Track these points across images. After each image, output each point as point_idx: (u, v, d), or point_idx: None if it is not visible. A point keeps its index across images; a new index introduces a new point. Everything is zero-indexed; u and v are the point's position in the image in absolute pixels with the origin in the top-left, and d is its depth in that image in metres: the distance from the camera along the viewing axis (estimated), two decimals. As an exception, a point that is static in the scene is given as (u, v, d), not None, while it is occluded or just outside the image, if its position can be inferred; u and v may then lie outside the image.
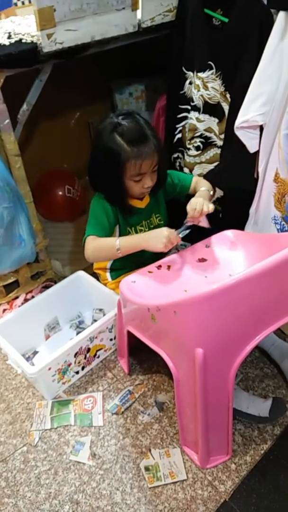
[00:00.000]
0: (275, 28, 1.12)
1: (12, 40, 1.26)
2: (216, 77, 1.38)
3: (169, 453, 1.22)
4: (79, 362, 1.41)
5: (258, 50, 1.18)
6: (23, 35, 1.27)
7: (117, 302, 1.33)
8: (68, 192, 2.06)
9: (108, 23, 1.31)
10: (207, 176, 1.48)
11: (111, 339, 1.49)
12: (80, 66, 1.82)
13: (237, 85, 1.29)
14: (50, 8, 1.17)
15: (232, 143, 1.32)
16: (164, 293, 1.20)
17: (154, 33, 1.47)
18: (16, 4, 1.64)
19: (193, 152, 1.58)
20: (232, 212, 1.55)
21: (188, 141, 1.57)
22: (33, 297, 1.64)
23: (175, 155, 1.68)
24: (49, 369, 1.30)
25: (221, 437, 1.16)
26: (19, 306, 1.60)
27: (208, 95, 1.42)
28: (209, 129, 1.49)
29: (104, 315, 1.49)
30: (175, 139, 1.64)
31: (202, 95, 1.44)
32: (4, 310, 1.64)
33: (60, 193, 2.06)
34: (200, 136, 1.53)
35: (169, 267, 1.31)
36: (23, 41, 1.25)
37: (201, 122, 1.50)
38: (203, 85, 1.42)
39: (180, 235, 1.25)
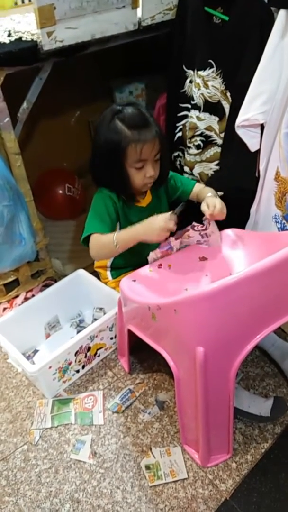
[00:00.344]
0: (275, 26, 1.12)
1: (12, 38, 1.25)
2: (217, 75, 1.37)
3: (169, 451, 1.22)
4: (79, 361, 1.41)
5: (258, 48, 1.18)
6: (23, 33, 1.27)
7: (118, 300, 1.33)
8: (68, 190, 2.06)
9: (108, 21, 1.31)
10: (208, 183, 1.48)
11: (111, 338, 1.49)
12: (81, 64, 1.82)
13: (237, 84, 1.29)
14: (50, 6, 1.17)
15: (233, 142, 1.32)
16: (165, 292, 1.20)
17: (154, 31, 1.47)
18: (16, 3, 1.64)
19: (193, 150, 1.58)
20: (232, 211, 1.54)
21: (189, 140, 1.57)
22: (33, 295, 1.64)
23: (176, 154, 1.68)
24: (50, 367, 1.30)
25: (222, 436, 1.16)
26: (19, 305, 1.60)
27: (209, 93, 1.42)
28: (209, 128, 1.49)
29: (104, 314, 1.48)
30: (176, 138, 1.63)
31: (202, 94, 1.44)
32: (4, 308, 1.64)
33: (60, 191, 2.06)
34: (201, 134, 1.53)
35: (169, 266, 1.31)
36: (23, 39, 1.25)
37: (202, 121, 1.50)
38: (204, 83, 1.42)
39: (176, 212, 1.23)
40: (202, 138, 1.53)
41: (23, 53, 1.22)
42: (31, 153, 1.92)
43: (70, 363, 1.37)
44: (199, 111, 1.48)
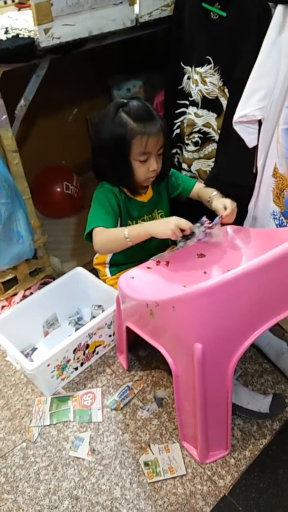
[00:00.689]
0: (273, 22, 1.11)
1: (9, 35, 1.25)
2: (215, 71, 1.37)
3: (168, 448, 1.23)
4: (78, 358, 1.41)
5: (256, 44, 1.17)
6: (20, 30, 1.27)
7: (116, 298, 1.33)
8: (66, 188, 2.06)
9: (105, 18, 1.30)
10: (208, 180, 1.48)
11: (110, 335, 1.49)
12: (78, 61, 1.81)
13: (235, 80, 1.29)
14: (47, 2, 1.16)
15: (230, 138, 1.32)
16: (163, 289, 1.20)
17: (152, 27, 1.46)
18: (13, 0, 1.63)
19: (191, 147, 1.57)
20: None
21: (187, 137, 1.57)
22: (31, 293, 1.64)
23: (174, 151, 1.68)
24: (48, 365, 1.30)
25: (220, 432, 1.16)
26: (17, 303, 1.59)
27: (207, 90, 1.42)
28: (207, 124, 1.49)
29: (103, 311, 1.48)
30: (174, 135, 1.63)
31: (200, 90, 1.43)
32: (3, 306, 1.64)
33: (58, 189, 2.05)
34: (199, 131, 1.53)
35: (167, 263, 1.31)
36: (20, 36, 1.24)
37: (200, 117, 1.49)
38: (201, 80, 1.41)
39: (196, 230, 1.24)
40: (200, 135, 1.53)
41: (20, 50, 1.22)
42: (29, 151, 1.92)
43: (68, 361, 1.37)
44: (197, 107, 1.48)
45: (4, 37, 1.24)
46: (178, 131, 1.61)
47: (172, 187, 1.48)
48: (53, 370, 1.33)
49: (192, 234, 1.24)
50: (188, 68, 1.46)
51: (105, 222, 1.29)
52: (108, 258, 1.49)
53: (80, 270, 1.61)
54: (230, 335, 1.00)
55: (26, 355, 1.48)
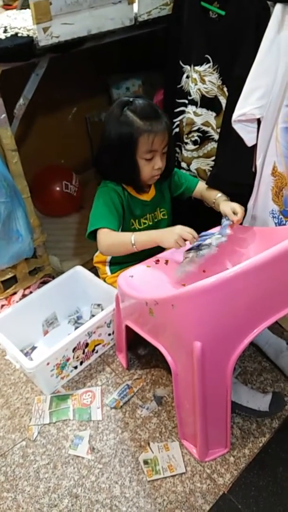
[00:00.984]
0: (272, 20, 1.11)
1: (8, 34, 1.25)
2: (214, 70, 1.37)
3: (167, 446, 1.23)
4: (77, 357, 1.41)
5: (255, 43, 1.17)
6: (19, 29, 1.26)
7: (115, 296, 1.33)
8: (65, 187, 2.06)
9: (104, 17, 1.31)
10: (209, 180, 1.49)
11: (109, 334, 1.49)
12: (77, 60, 1.82)
13: (234, 79, 1.29)
14: (46, 1, 1.16)
15: (230, 137, 1.32)
16: (162, 287, 1.21)
17: (150, 26, 1.46)
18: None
19: (190, 146, 1.57)
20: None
21: (186, 136, 1.57)
22: (31, 292, 1.64)
23: (173, 150, 1.68)
24: (48, 364, 1.30)
25: (220, 430, 1.17)
26: (17, 302, 1.60)
27: (206, 88, 1.42)
28: (206, 123, 1.49)
29: (102, 310, 1.49)
30: (173, 134, 1.63)
31: (199, 89, 1.43)
32: (2, 305, 1.64)
33: (58, 188, 2.05)
34: (198, 130, 1.53)
35: (167, 261, 1.31)
36: (19, 35, 1.24)
37: (199, 116, 1.49)
38: (200, 78, 1.41)
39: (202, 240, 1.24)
40: (199, 134, 1.53)
41: (19, 49, 1.22)
42: (28, 150, 1.92)
43: (68, 360, 1.37)
44: (196, 106, 1.48)
45: (3, 36, 1.24)
46: (177, 130, 1.61)
47: (175, 185, 1.48)
48: (52, 369, 1.34)
49: (204, 245, 1.24)
50: (187, 67, 1.46)
51: (110, 223, 1.29)
52: (108, 256, 1.49)
53: (80, 269, 1.61)
54: (229, 333, 1.00)
55: (26, 354, 1.48)
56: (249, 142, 1.29)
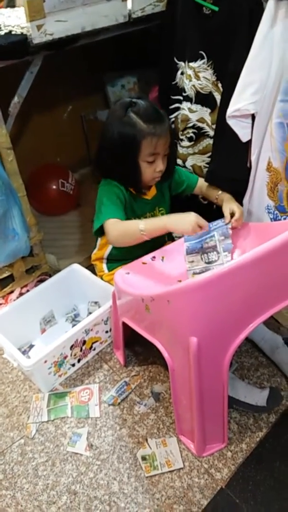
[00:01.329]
0: (265, 16, 1.11)
1: (2, 32, 1.24)
2: (208, 66, 1.37)
3: (165, 442, 1.23)
4: (75, 355, 1.41)
5: (248, 38, 1.17)
6: (13, 27, 1.26)
7: (112, 294, 1.34)
8: (61, 186, 2.06)
9: (98, 14, 1.30)
10: (206, 178, 1.49)
11: (106, 331, 1.49)
12: (72, 58, 1.81)
13: (228, 74, 1.29)
14: (39, -1, 1.16)
15: (225, 133, 1.32)
16: (158, 284, 1.21)
17: (144, 23, 1.46)
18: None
19: (185, 143, 1.57)
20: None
21: (181, 132, 1.57)
22: (28, 291, 1.64)
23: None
24: (45, 362, 1.31)
25: (217, 425, 1.17)
26: (14, 300, 1.60)
27: (200, 85, 1.42)
28: (201, 120, 1.49)
29: (99, 307, 1.49)
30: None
31: (194, 85, 1.43)
32: (0, 304, 1.64)
33: (54, 187, 2.05)
34: (193, 126, 1.53)
35: (163, 258, 1.31)
36: (13, 33, 1.24)
37: (193, 113, 1.49)
38: (195, 75, 1.41)
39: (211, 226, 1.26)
40: (194, 130, 1.53)
41: (13, 47, 1.21)
42: (24, 148, 1.92)
43: (65, 357, 1.38)
44: (191, 102, 1.48)
45: (-4, 34, 1.24)
46: (172, 126, 1.61)
47: (176, 184, 1.48)
48: (50, 367, 1.34)
49: (209, 248, 1.26)
50: (181, 63, 1.46)
51: (117, 213, 1.27)
52: (106, 253, 1.49)
53: (76, 267, 1.61)
54: (225, 328, 1.00)
55: (23, 352, 1.48)
56: (244, 138, 1.29)
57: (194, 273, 1.24)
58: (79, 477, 1.18)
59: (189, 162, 1.61)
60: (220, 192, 1.41)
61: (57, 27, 1.24)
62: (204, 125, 1.50)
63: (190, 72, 1.42)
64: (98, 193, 1.35)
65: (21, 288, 1.69)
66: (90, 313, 1.55)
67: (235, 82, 1.22)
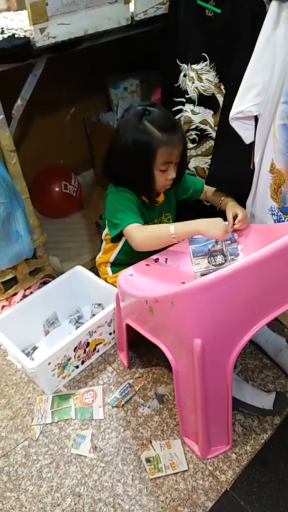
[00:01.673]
0: (267, 18, 1.11)
1: (5, 35, 1.25)
2: (211, 68, 1.37)
3: (169, 444, 1.23)
4: (78, 357, 1.41)
5: (251, 40, 1.17)
6: (16, 30, 1.27)
7: (115, 296, 1.34)
8: (64, 188, 2.06)
9: (101, 17, 1.31)
10: (207, 181, 1.49)
11: (110, 333, 1.49)
12: (75, 61, 1.82)
13: (231, 76, 1.29)
14: (43, 2, 1.16)
15: (227, 135, 1.32)
16: (162, 285, 1.21)
17: (147, 26, 1.47)
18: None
19: (188, 145, 1.57)
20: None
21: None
22: (31, 293, 1.64)
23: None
24: (49, 363, 1.31)
25: (221, 427, 1.17)
26: (17, 303, 1.60)
27: (203, 87, 1.42)
28: (204, 122, 1.49)
29: (103, 309, 1.49)
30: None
31: (196, 87, 1.44)
32: (3, 306, 1.64)
33: (57, 189, 2.05)
34: (196, 128, 1.53)
35: (166, 259, 1.31)
36: (16, 36, 1.25)
37: (196, 115, 1.50)
38: (198, 77, 1.42)
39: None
40: (197, 132, 1.53)
41: (16, 50, 1.22)
42: (27, 151, 1.92)
43: (69, 359, 1.38)
44: (194, 104, 1.48)
45: (0, 37, 1.24)
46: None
47: (182, 190, 1.49)
48: (54, 369, 1.34)
49: (216, 251, 1.28)
50: (184, 66, 1.46)
51: (137, 219, 1.27)
52: (112, 258, 1.49)
53: (80, 269, 1.61)
54: (229, 330, 1.00)
55: (27, 354, 1.48)
56: (247, 140, 1.29)
57: (202, 274, 1.24)
58: (83, 479, 1.18)
59: (192, 164, 1.62)
60: (223, 197, 1.41)
61: (60, 30, 1.24)
62: (207, 127, 1.50)
63: (192, 74, 1.43)
64: (107, 200, 1.36)
65: (25, 290, 1.69)
66: (93, 315, 1.55)
67: (238, 84, 1.22)
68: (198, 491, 1.14)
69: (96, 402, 1.36)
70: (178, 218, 1.51)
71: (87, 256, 1.86)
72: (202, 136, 1.53)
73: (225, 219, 1.32)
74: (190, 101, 1.49)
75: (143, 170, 1.26)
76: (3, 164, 1.36)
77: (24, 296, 1.65)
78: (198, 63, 1.40)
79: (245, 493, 1.13)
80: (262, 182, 1.36)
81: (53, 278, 1.70)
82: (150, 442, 1.24)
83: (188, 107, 1.51)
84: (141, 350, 1.50)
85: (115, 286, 1.44)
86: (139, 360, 1.48)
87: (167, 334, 1.11)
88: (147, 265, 1.31)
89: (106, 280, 1.54)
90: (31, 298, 1.53)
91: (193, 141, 1.56)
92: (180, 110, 1.56)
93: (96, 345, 1.46)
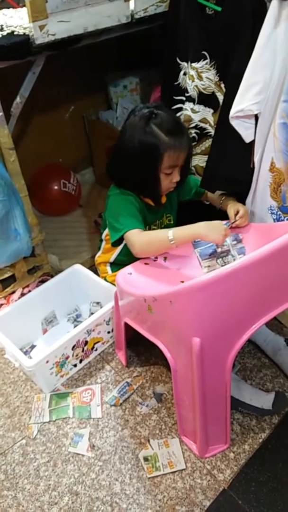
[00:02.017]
0: (268, 16, 1.11)
1: (4, 33, 1.24)
2: (211, 67, 1.37)
3: (167, 443, 1.23)
4: (76, 355, 1.41)
5: (251, 38, 1.17)
6: (15, 27, 1.26)
7: (114, 294, 1.33)
8: (63, 186, 2.06)
9: (100, 14, 1.30)
10: (205, 178, 1.49)
11: (108, 332, 1.49)
12: (74, 58, 1.81)
13: (231, 75, 1.29)
14: (42, -1, 1.16)
15: (227, 133, 1.32)
16: (161, 284, 1.20)
17: (147, 24, 1.46)
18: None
19: (188, 143, 1.57)
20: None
21: (183, 133, 1.56)
22: (30, 291, 1.63)
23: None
24: (47, 362, 1.31)
25: (219, 426, 1.17)
26: (16, 301, 1.59)
27: (203, 85, 1.42)
28: (204, 120, 1.49)
29: (101, 308, 1.48)
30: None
31: (196, 86, 1.43)
32: (1, 304, 1.64)
33: (56, 187, 2.05)
34: (195, 127, 1.52)
35: (165, 258, 1.31)
36: (16, 33, 1.24)
37: (196, 113, 1.49)
38: (198, 75, 1.41)
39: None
40: (197, 131, 1.53)
41: (15, 47, 1.21)
42: (26, 149, 1.92)
43: (67, 358, 1.37)
44: (194, 103, 1.48)
45: (-1, 34, 1.24)
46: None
47: (184, 191, 1.49)
48: (52, 367, 1.34)
49: (223, 252, 1.28)
50: (184, 64, 1.46)
51: (138, 224, 1.26)
52: (112, 258, 1.49)
53: (78, 267, 1.61)
54: (228, 329, 1.00)
55: (25, 353, 1.48)
56: (247, 138, 1.29)
57: None
58: (81, 477, 1.18)
59: (191, 163, 1.61)
60: (224, 197, 1.41)
61: (60, 27, 1.23)
62: (206, 126, 1.50)
63: (192, 72, 1.42)
64: (109, 201, 1.35)
65: (23, 288, 1.69)
66: (92, 313, 1.54)
67: (238, 82, 1.21)
68: (196, 490, 1.14)
69: (94, 401, 1.36)
70: (178, 218, 1.51)
71: (85, 254, 1.85)
72: (202, 134, 1.53)
73: (225, 218, 1.32)
74: (190, 99, 1.49)
75: (149, 173, 1.26)
76: (1, 162, 1.36)
77: (22, 295, 1.65)
78: (198, 61, 1.39)
79: (243, 492, 1.13)
80: (262, 181, 1.36)
81: (52, 276, 1.69)
82: (148, 440, 1.24)
83: (188, 105, 1.51)
84: (139, 348, 1.50)
85: (114, 284, 1.43)
86: (137, 359, 1.48)
87: (165, 332, 1.11)
88: (146, 264, 1.30)
89: (105, 279, 1.53)
90: (29, 296, 1.52)
91: (192, 139, 1.55)
92: (180, 109, 1.55)
93: (95, 343, 1.46)
